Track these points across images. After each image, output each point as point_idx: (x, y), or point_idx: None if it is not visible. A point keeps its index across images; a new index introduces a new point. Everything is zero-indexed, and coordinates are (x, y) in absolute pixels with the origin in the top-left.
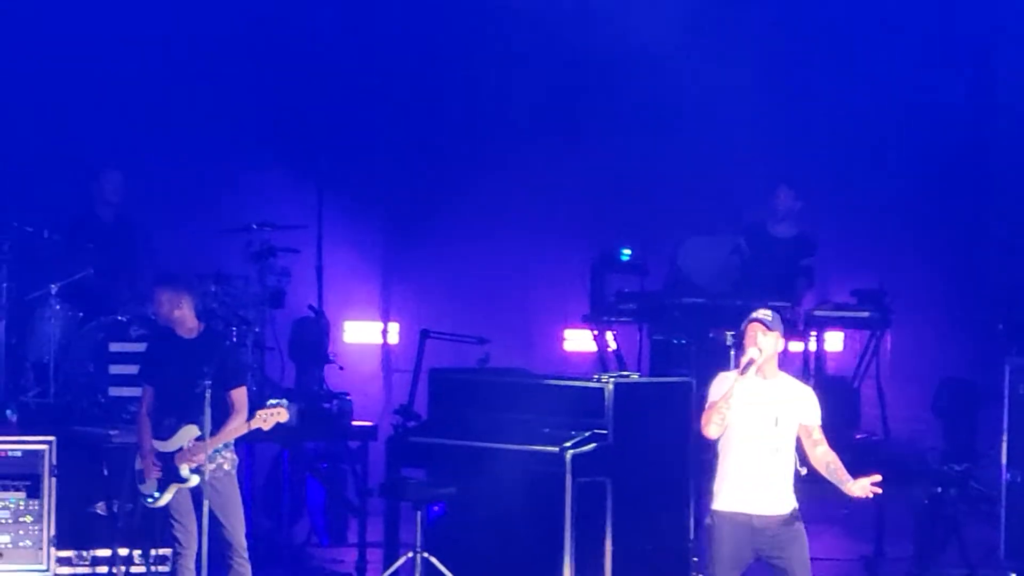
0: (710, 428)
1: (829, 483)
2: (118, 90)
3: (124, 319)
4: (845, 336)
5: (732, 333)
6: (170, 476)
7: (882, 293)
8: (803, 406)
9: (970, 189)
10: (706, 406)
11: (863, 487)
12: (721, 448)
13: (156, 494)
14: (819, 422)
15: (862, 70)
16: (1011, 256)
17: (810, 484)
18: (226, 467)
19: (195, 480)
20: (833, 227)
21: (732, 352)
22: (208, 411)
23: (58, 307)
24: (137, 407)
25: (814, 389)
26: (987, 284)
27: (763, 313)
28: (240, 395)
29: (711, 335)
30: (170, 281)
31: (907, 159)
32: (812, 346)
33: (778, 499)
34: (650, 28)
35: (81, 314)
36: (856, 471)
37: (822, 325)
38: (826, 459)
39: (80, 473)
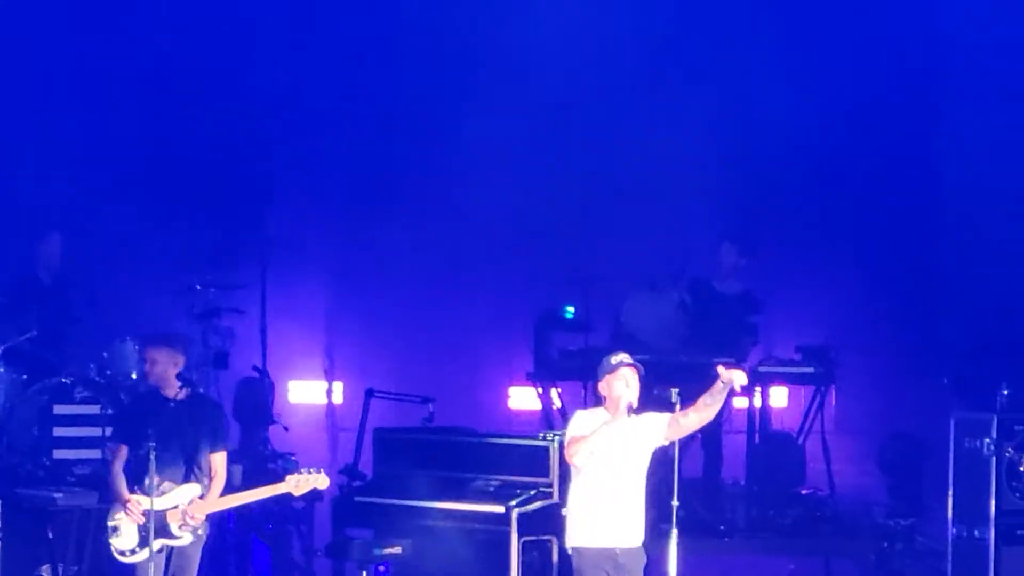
0: (577, 456)
1: (775, 541)
2: (59, 152)
3: (68, 381)
4: (790, 392)
5: (677, 390)
6: (159, 533)
7: (827, 348)
8: (649, 428)
9: (915, 245)
10: (567, 440)
11: (727, 375)
12: (580, 485)
13: (137, 549)
14: (668, 416)
15: (807, 124)
16: (956, 310)
17: (755, 543)
18: (200, 531)
19: (188, 539)
20: (779, 283)
21: (677, 407)
22: (208, 473)
23: (1, 370)
24: (108, 464)
25: (759, 445)
26: (932, 338)
27: (626, 356)
28: (222, 460)
29: (655, 391)
30: (168, 341)
31: (853, 214)
32: (757, 402)
33: (636, 531)
34: (598, 77)
35: (25, 376)
36: (802, 525)
37: (767, 381)
38: (693, 410)
39: (25, 536)
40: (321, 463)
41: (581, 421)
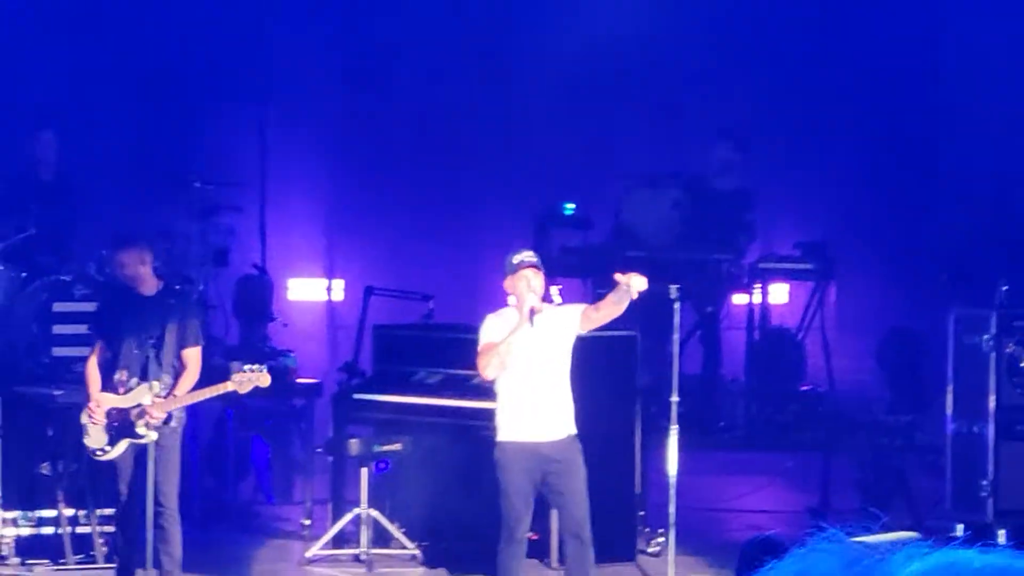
0: (489, 370)
1: (774, 437)
2: (53, 47)
3: (67, 279)
4: (790, 288)
5: (676, 287)
6: (124, 431)
7: (826, 245)
8: (565, 320)
9: (916, 139)
10: (480, 348)
11: (625, 279)
12: (502, 384)
13: (107, 447)
14: (582, 306)
15: (808, 21)
16: (956, 206)
17: (755, 439)
18: (173, 424)
19: (152, 436)
20: (777, 179)
21: (676, 305)
22: (170, 369)
23: (1, 268)
24: (84, 360)
25: (759, 341)
26: (932, 234)
27: (529, 255)
28: (195, 354)
29: (654, 288)
30: (132, 242)
31: (853, 109)
32: (756, 299)
33: (560, 424)
34: None
35: (24, 275)
36: (802, 422)
37: (766, 278)
38: (603, 305)
39: (25, 434)
40: (320, 361)
41: (490, 328)
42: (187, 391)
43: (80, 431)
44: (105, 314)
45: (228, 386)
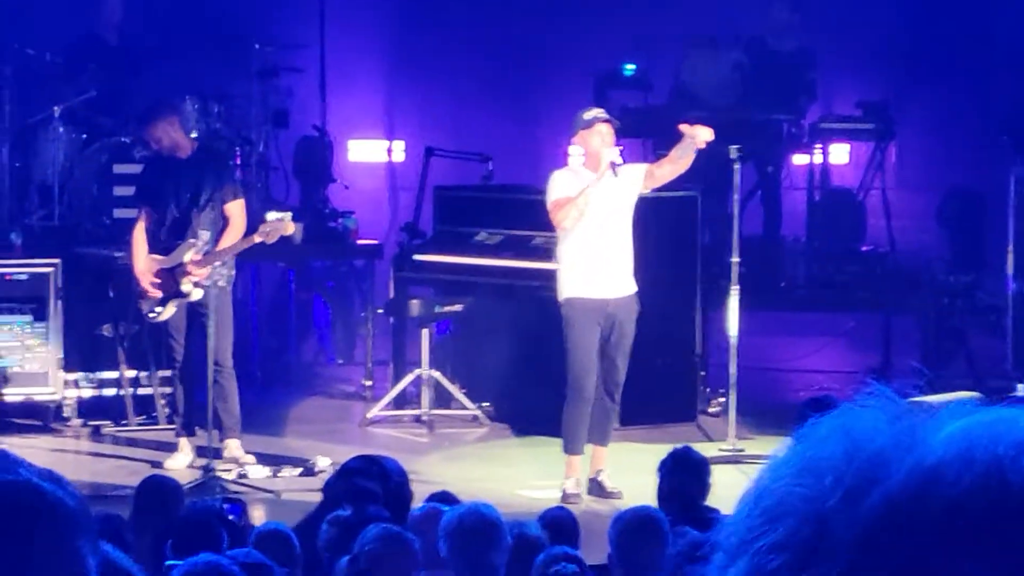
0: (567, 220)
1: (834, 298)
2: None
3: (127, 140)
4: (850, 148)
5: (737, 147)
6: (171, 291)
7: (887, 104)
8: (631, 178)
9: None
10: (554, 202)
11: (691, 131)
12: (571, 240)
13: (158, 309)
14: (646, 165)
15: None
16: (1018, 66)
17: (815, 299)
18: (221, 283)
19: (197, 294)
20: (838, 39)
21: (736, 165)
22: (208, 226)
23: (61, 129)
24: (131, 225)
25: (819, 201)
26: (993, 94)
27: (601, 111)
28: (236, 208)
29: (714, 149)
30: (154, 114)
31: None
32: (817, 159)
33: (625, 281)
34: None
35: (84, 136)
36: (862, 282)
37: (827, 138)
38: (667, 162)
39: (86, 295)
40: (381, 221)
41: (562, 182)
42: (233, 242)
43: (137, 292)
44: (147, 181)
45: (255, 238)
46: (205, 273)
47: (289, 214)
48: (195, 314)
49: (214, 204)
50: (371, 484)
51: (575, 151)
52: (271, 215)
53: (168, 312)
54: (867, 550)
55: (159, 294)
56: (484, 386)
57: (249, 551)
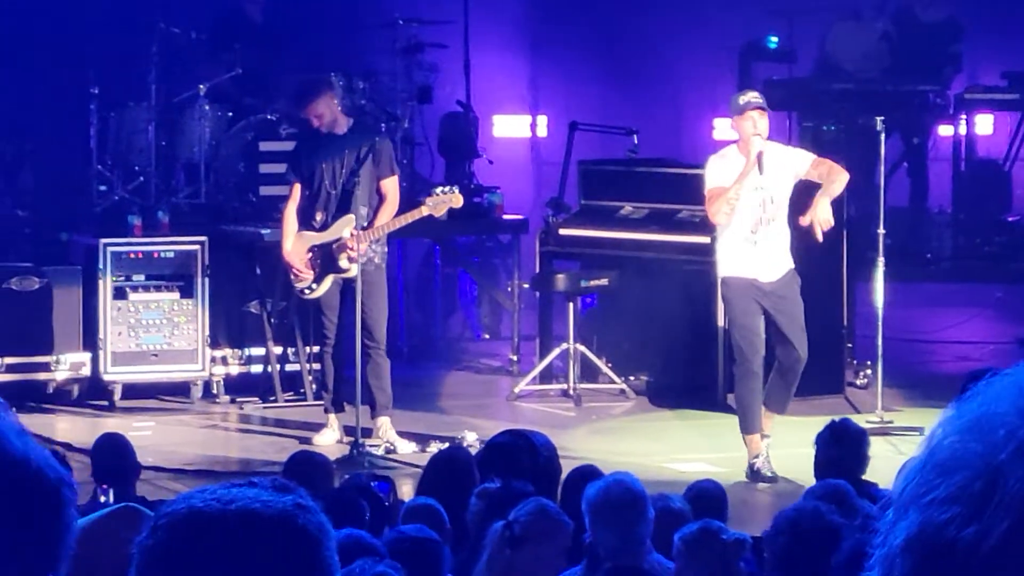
0: (719, 216)
1: (981, 268)
2: None
3: (273, 118)
4: (995, 119)
5: (882, 119)
6: (328, 267)
7: None
8: (792, 165)
9: None
10: (708, 193)
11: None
12: (724, 224)
13: (313, 286)
14: (813, 158)
15: None
16: None
17: (962, 270)
18: (376, 260)
19: (355, 270)
20: (983, 9)
21: (882, 137)
22: (367, 202)
23: (207, 107)
24: (284, 202)
25: (965, 172)
26: None
27: (755, 96)
28: (392, 184)
29: (860, 120)
30: (316, 91)
31: None
32: (962, 130)
33: (781, 263)
34: None
35: (230, 114)
36: (1009, 252)
37: (972, 108)
38: (827, 175)
39: (232, 272)
40: (526, 196)
41: (715, 171)
42: (387, 221)
43: (288, 270)
44: (300, 157)
45: (423, 211)
46: (364, 248)
47: (456, 187)
48: (348, 290)
49: (371, 180)
50: (520, 458)
51: (721, 124)
52: (440, 188)
53: (323, 288)
54: None
55: (311, 272)
56: (631, 360)
57: (420, 527)
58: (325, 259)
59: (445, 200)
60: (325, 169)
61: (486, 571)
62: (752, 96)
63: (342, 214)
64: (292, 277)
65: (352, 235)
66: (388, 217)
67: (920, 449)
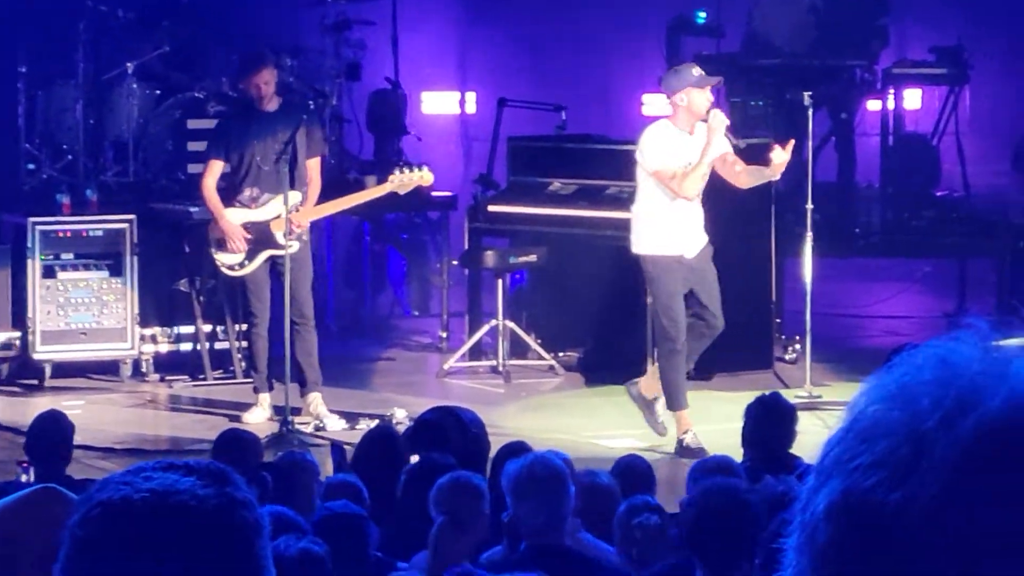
0: (693, 191)
1: (909, 243)
2: None
3: (201, 96)
4: (923, 93)
5: (809, 93)
6: (263, 244)
7: (960, 49)
8: (718, 149)
9: None
10: (661, 172)
11: (780, 155)
12: (650, 196)
13: (245, 262)
14: (728, 152)
15: None
16: None
17: (890, 245)
18: (304, 237)
19: (295, 247)
20: None
21: (809, 112)
22: (303, 179)
23: (135, 86)
24: (200, 180)
25: (893, 147)
26: None
27: (699, 72)
28: (317, 165)
29: (788, 95)
30: (267, 58)
31: None
32: (890, 104)
33: (703, 236)
34: None
35: (158, 92)
36: (937, 227)
37: (900, 83)
38: (748, 173)
39: (161, 251)
40: (455, 174)
41: (664, 149)
42: (314, 201)
43: (213, 243)
44: (231, 132)
45: (387, 187)
46: (306, 225)
47: (425, 166)
48: (274, 268)
49: (303, 159)
50: (449, 435)
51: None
52: (407, 167)
53: (254, 265)
54: (964, 472)
55: (244, 247)
56: (560, 336)
57: (346, 503)
58: (258, 236)
59: (415, 177)
60: (256, 146)
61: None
62: (700, 70)
63: (273, 191)
64: (220, 252)
65: (297, 212)
66: (314, 198)
67: (842, 418)
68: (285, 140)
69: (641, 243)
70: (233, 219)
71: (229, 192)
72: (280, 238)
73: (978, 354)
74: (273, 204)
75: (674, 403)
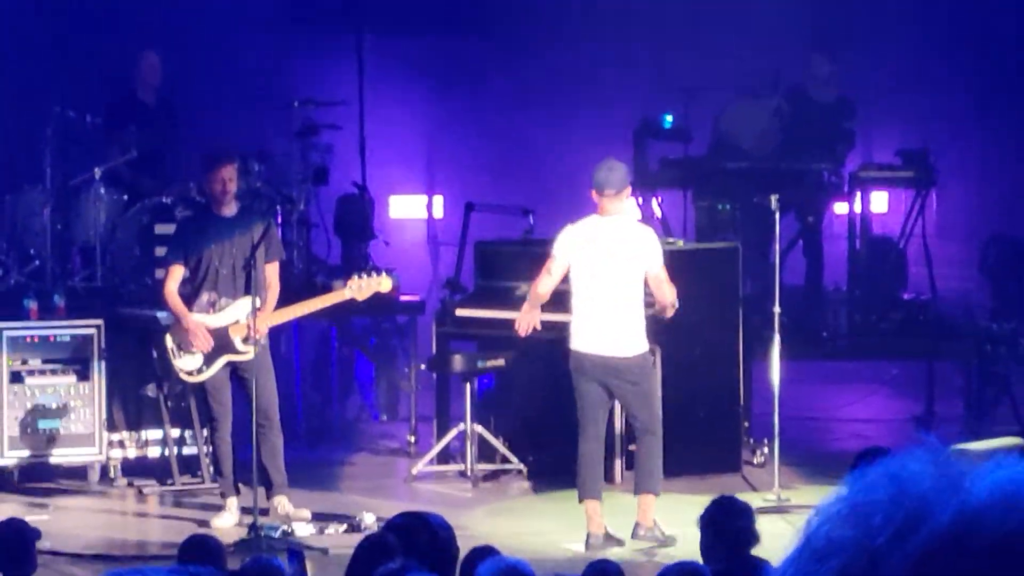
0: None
1: (877, 346)
2: None
3: (168, 201)
4: (890, 197)
5: (777, 197)
6: (222, 349)
7: (926, 152)
8: (644, 258)
9: (1013, 41)
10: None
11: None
12: (577, 298)
13: (204, 368)
14: (659, 269)
15: None
16: None
17: (858, 348)
18: (263, 341)
19: (252, 352)
20: (877, 86)
21: (776, 215)
22: (262, 284)
23: (102, 191)
24: (162, 286)
25: (860, 250)
26: None
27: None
28: (275, 270)
29: (755, 199)
30: (232, 156)
31: (950, 14)
32: (858, 207)
33: (630, 342)
34: None
35: (125, 197)
36: (905, 330)
37: (867, 186)
38: (663, 288)
39: (129, 355)
40: (423, 277)
41: (562, 242)
42: (272, 306)
43: (170, 350)
44: (189, 237)
45: (345, 294)
46: (263, 331)
47: (384, 272)
48: (235, 372)
49: (262, 263)
50: (418, 539)
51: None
52: (366, 272)
53: (213, 370)
54: None
55: (210, 346)
56: (528, 440)
57: None
58: (217, 341)
59: (373, 283)
60: (215, 250)
61: None
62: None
63: (232, 295)
64: (179, 358)
65: (253, 317)
66: (273, 303)
67: (796, 538)
68: (246, 245)
69: (572, 338)
70: (200, 322)
71: (188, 297)
72: (239, 344)
73: (929, 470)
74: (231, 309)
75: (579, 492)
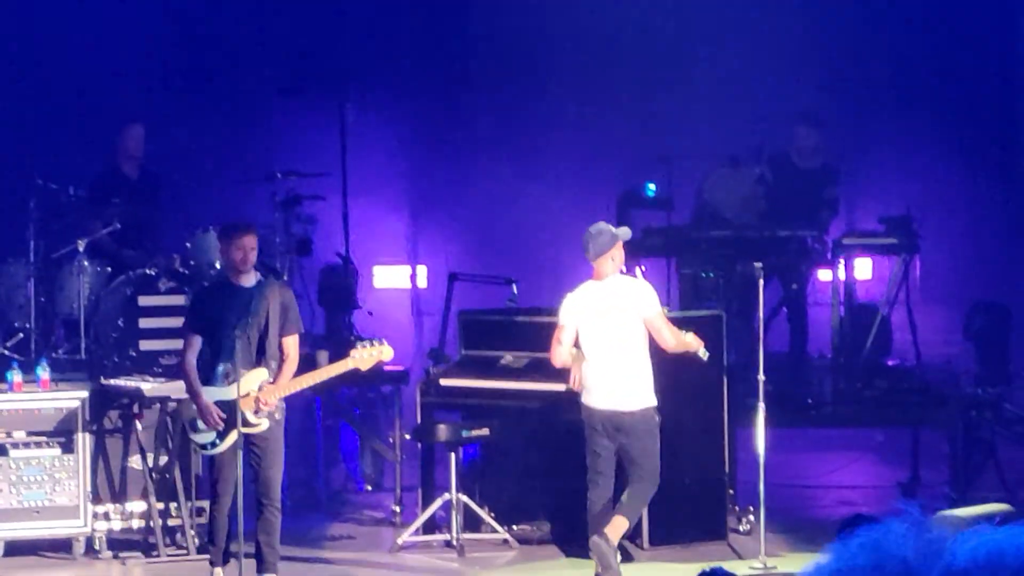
0: (557, 362)
1: (862, 413)
2: (138, 45)
3: (152, 273)
4: (874, 263)
5: (760, 264)
6: (233, 422)
7: (909, 219)
8: (643, 304)
9: (996, 108)
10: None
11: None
12: (645, 349)
13: (217, 441)
14: (656, 315)
15: None
16: None
17: (842, 415)
18: (277, 416)
19: (264, 425)
20: (859, 153)
21: (760, 282)
22: (276, 355)
23: (86, 263)
24: (181, 357)
25: (844, 317)
26: (1016, 206)
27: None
28: (295, 342)
29: (739, 267)
30: (247, 227)
31: (933, 81)
32: (841, 274)
33: (636, 396)
34: None
35: (109, 269)
36: (890, 397)
37: (850, 253)
38: (666, 335)
39: (114, 427)
40: (407, 348)
41: (566, 309)
42: (288, 378)
43: (187, 423)
44: (204, 307)
45: (348, 364)
46: (274, 403)
47: (384, 341)
48: (247, 442)
49: (277, 335)
50: None
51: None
52: (368, 342)
53: (227, 443)
54: None
55: (221, 425)
56: (513, 509)
57: None
58: (230, 415)
59: (374, 354)
60: (231, 321)
61: None
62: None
63: (248, 367)
64: (194, 432)
65: (265, 389)
66: (290, 374)
67: None
68: (261, 316)
69: (647, 396)
70: (207, 398)
71: (203, 367)
72: (251, 416)
73: (912, 536)
74: (245, 381)
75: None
